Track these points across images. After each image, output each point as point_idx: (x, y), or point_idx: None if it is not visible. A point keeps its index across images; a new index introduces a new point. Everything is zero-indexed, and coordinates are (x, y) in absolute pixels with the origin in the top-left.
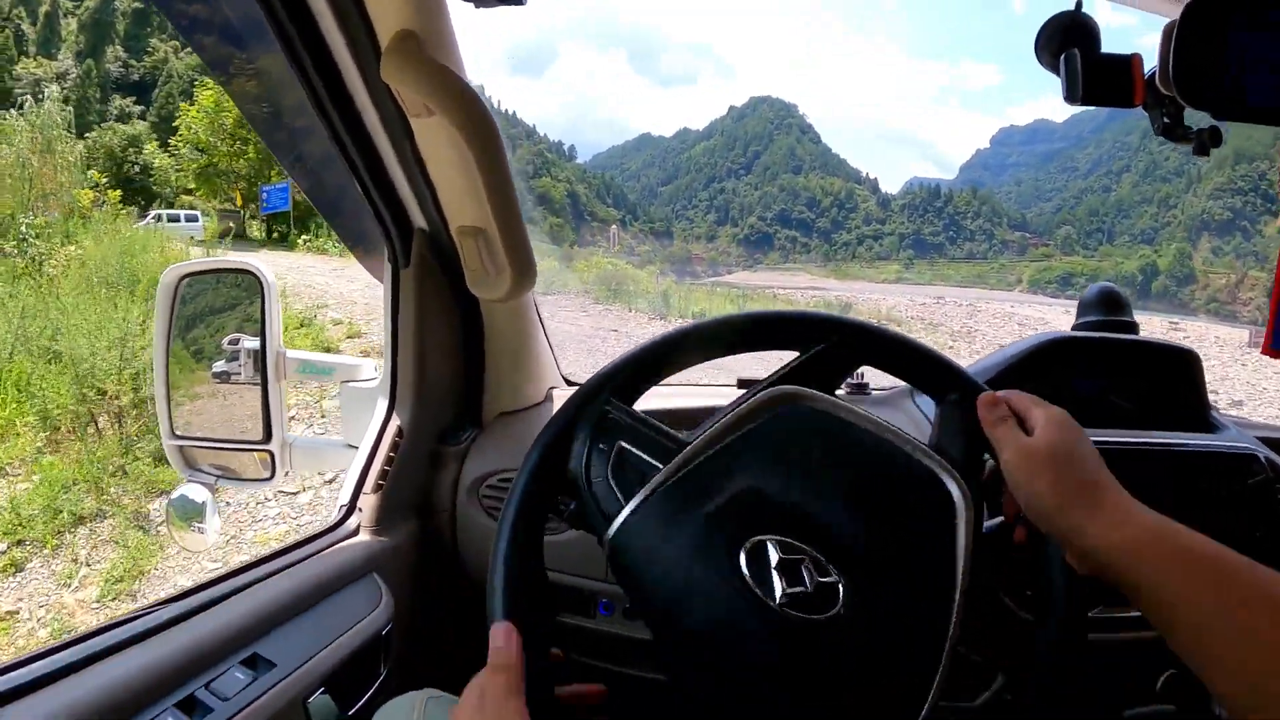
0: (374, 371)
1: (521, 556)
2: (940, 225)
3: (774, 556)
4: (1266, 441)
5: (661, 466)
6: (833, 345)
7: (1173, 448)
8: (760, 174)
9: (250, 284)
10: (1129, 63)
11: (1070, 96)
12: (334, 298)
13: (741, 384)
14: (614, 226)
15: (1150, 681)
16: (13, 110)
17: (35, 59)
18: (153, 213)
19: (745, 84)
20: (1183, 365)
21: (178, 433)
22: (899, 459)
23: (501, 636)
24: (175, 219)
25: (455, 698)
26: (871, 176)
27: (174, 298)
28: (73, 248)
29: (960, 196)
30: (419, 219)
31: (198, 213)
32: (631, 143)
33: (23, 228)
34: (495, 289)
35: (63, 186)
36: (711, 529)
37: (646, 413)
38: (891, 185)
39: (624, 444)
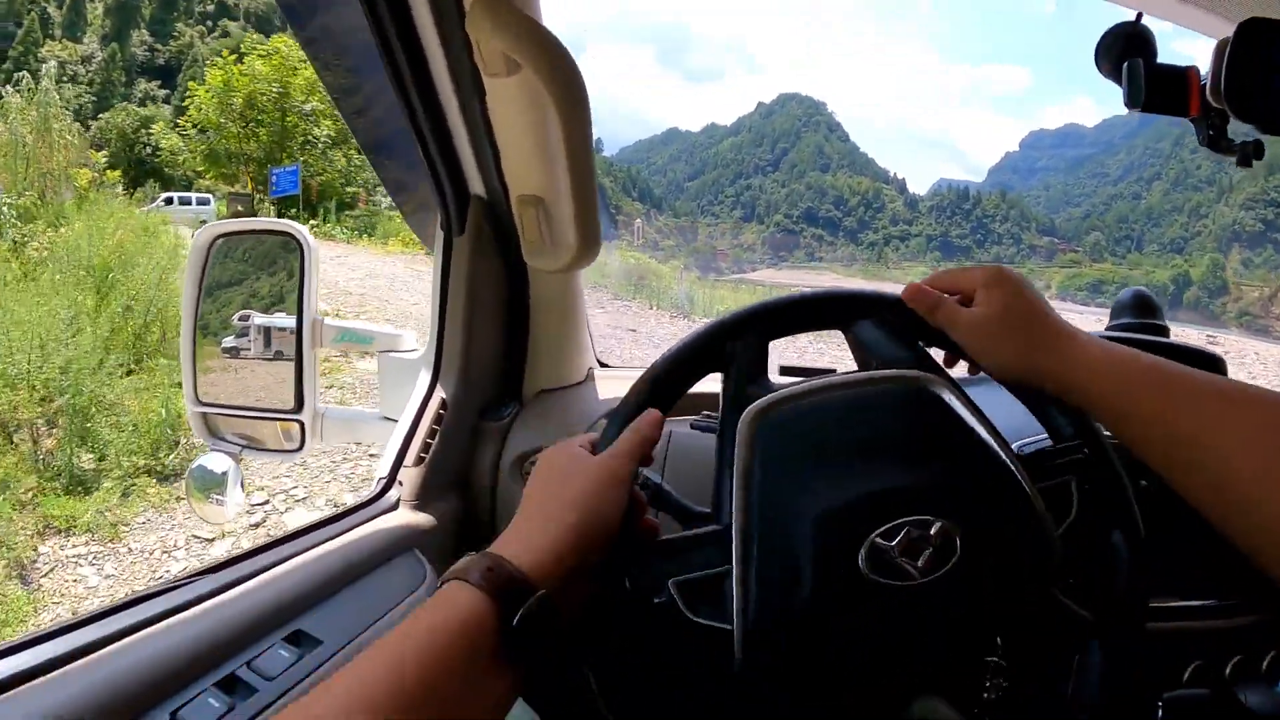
0: (415, 343)
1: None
2: (968, 228)
3: (887, 545)
4: None
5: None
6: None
7: None
8: (787, 171)
9: (289, 247)
10: (1186, 74)
11: (1132, 102)
12: (328, 285)
13: (784, 371)
14: (638, 220)
15: (1177, 673)
16: (8, 87)
17: (61, 42)
18: (163, 195)
19: (774, 81)
20: (1214, 367)
21: (202, 399)
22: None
23: (655, 420)
24: (187, 201)
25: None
26: (899, 176)
27: (206, 259)
28: (64, 230)
29: (989, 199)
30: (477, 185)
31: (209, 196)
32: (659, 137)
33: (3, 208)
34: (556, 259)
35: (60, 166)
36: (821, 569)
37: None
38: (919, 186)
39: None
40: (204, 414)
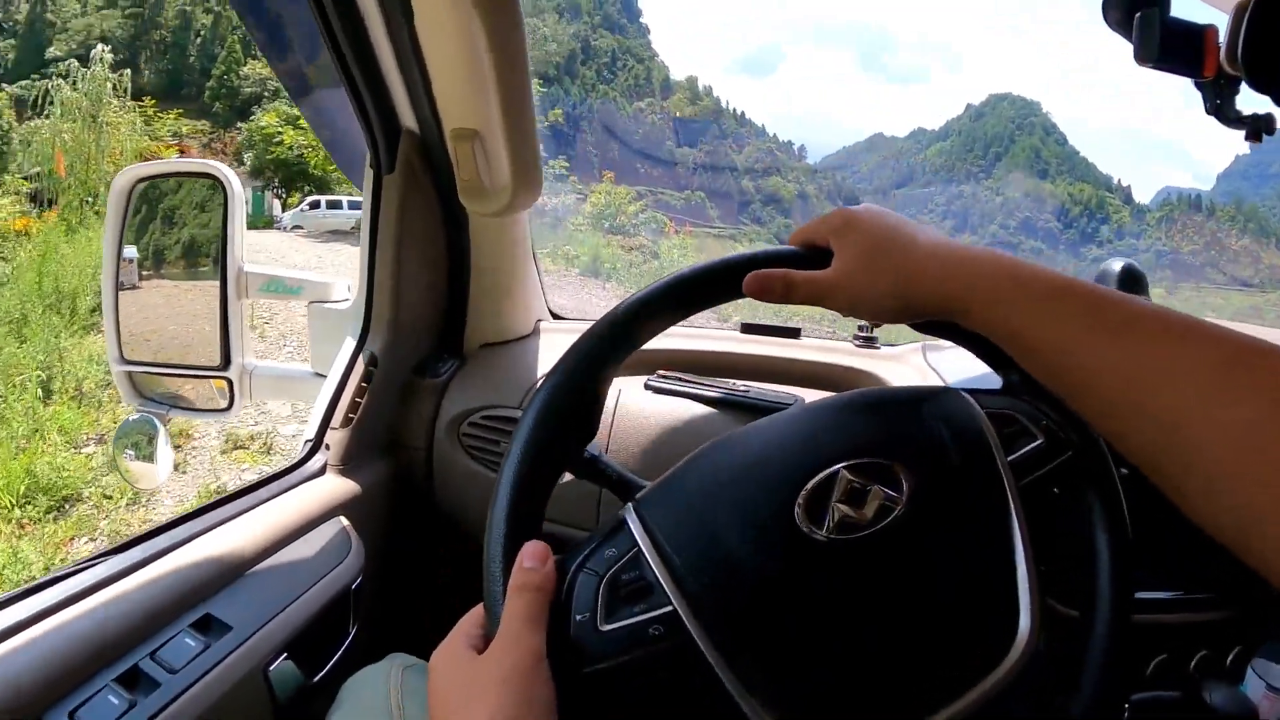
0: (347, 292)
1: (531, 497)
2: (1201, 243)
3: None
4: None
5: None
6: None
7: None
8: (1002, 178)
9: (212, 189)
10: (1203, 33)
11: (1144, 57)
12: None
13: (745, 329)
14: (861, 205)
15: (1141, 666)
16: (58, 79)
17: (260, 60)
18: (307, 200)
19: (982, 81)
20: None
21: (126, 357)
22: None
23: (538, 555)
24: (336, 205)
25: (425, 663)
26: (1123, 184)
27: (127, 204)
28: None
29: (1224, 210)
30: (408, 118)
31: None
32: (863, 143)
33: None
34: (492, 201)
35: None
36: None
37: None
38: (1143, 194)
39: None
40: (129, 373)
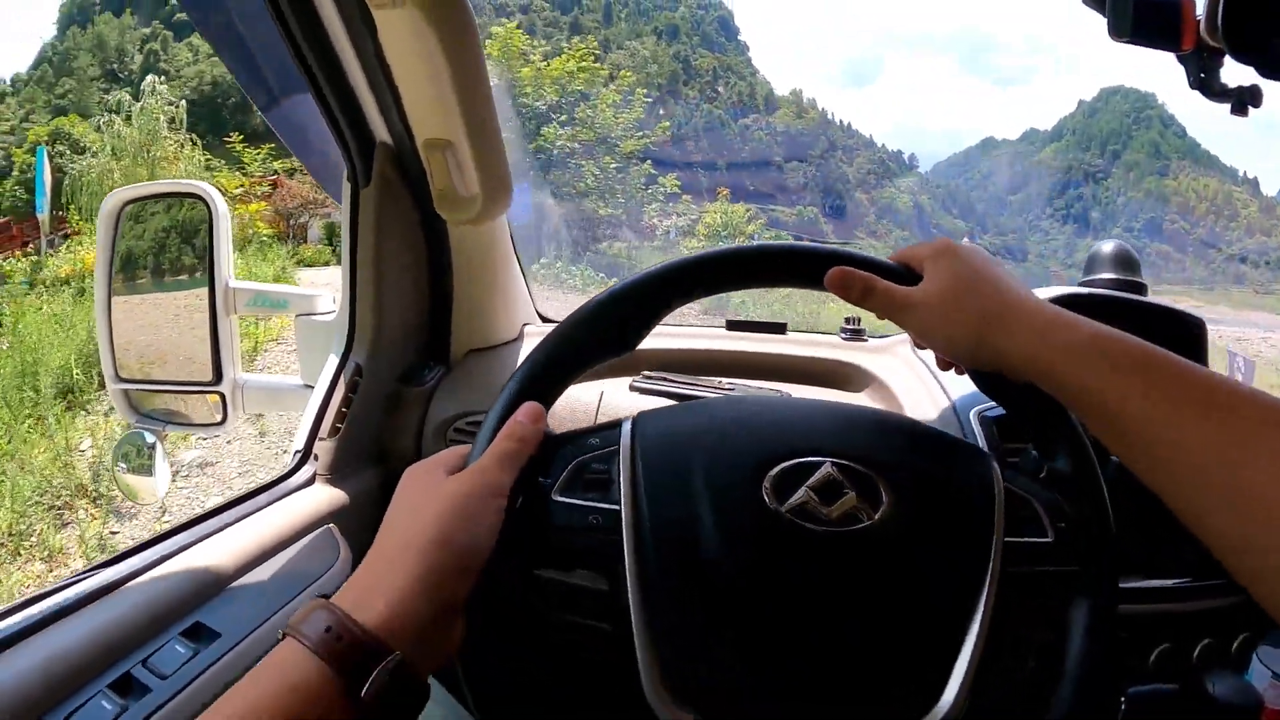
0: (332, 304)
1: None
2: None
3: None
4: None
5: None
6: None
7: None
8: (1122, 177)
9: (198, 210)
10: (1179, 5)
11: (1117, 32)
12: None
13: (731, 326)
14: (965, 241)
15: (1143, 657)
16: (109, 114)
17: None
18: None
19: (1092, 75)
20: (1188, 331)
21: (122, 375)
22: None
23: (531, 413)
24: None
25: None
26: (1250, 175)
27: (115, 227)
28: None
29: None
30: (381, 131)
31: None
32: (974, 149)
33: None
34: (465, 210)
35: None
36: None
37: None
38: (1271, 185)
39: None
40: (125, 390)
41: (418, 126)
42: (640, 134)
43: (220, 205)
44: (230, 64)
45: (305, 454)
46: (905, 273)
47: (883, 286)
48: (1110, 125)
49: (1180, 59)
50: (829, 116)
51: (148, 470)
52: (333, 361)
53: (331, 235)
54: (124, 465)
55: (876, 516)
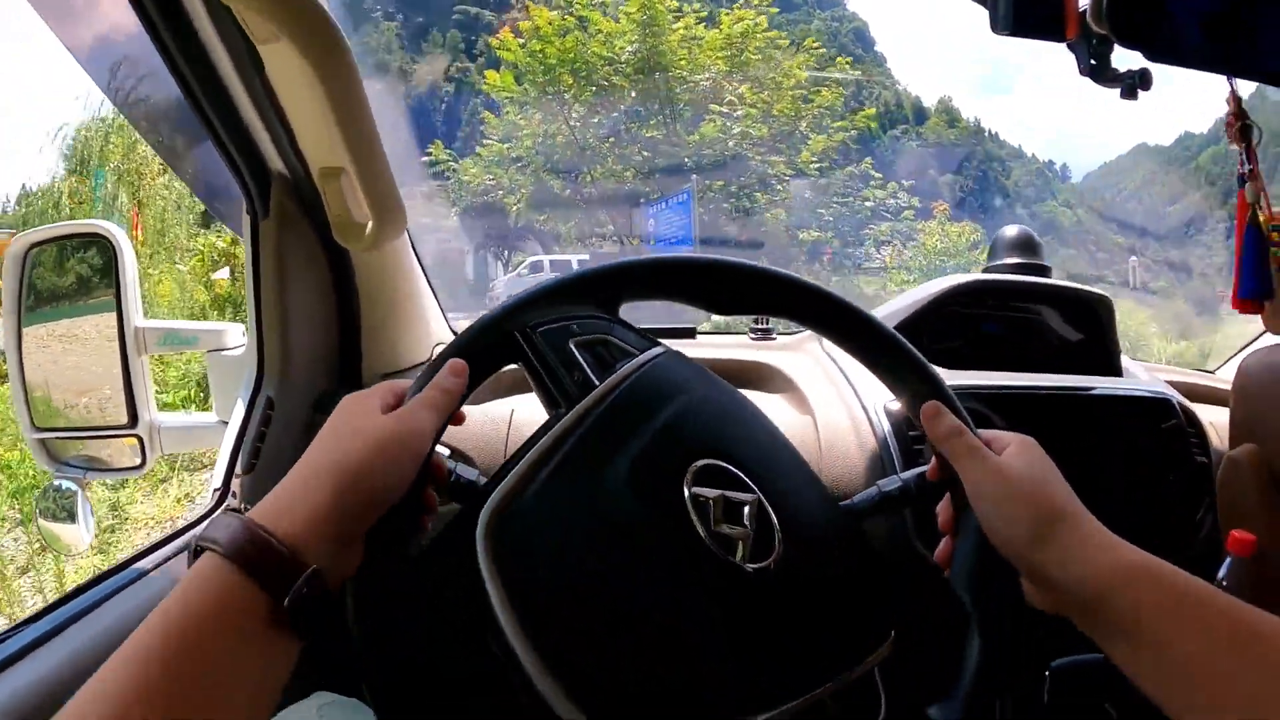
0: (241, 337)
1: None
2: None
3: (711, 494)
4: (1176, 387)
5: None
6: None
7: (1085, 392)
8: None
9: (102, 249)
10: None
11: (1000, 25)
12: None
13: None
14: (1133, 259)
15: (1070, 630)
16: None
17: None
18: (529, 260)
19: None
20: (1093, 310)
21: (38, 425)
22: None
23: (456, 369)
24: (564, 266)
25: (351, 699)
26: None
27: (22, 271)
28: None
29: None
30: (276, 163)
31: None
32: (1125, 157)
33: None
34: (362, 238)
35: None
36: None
37: None
38: None
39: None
40: (42, 440)
41: (311, 156)
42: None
43: (125, 245)
44: (117, 101)
45: (224, 490)
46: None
47: (971, 436)
48: (1275, 122)
49: (1070, 47)
50: (980, 125)
51: (70, 519)
52: (245, 395)
53: None
54: (47, 515)
55: (771, 560)
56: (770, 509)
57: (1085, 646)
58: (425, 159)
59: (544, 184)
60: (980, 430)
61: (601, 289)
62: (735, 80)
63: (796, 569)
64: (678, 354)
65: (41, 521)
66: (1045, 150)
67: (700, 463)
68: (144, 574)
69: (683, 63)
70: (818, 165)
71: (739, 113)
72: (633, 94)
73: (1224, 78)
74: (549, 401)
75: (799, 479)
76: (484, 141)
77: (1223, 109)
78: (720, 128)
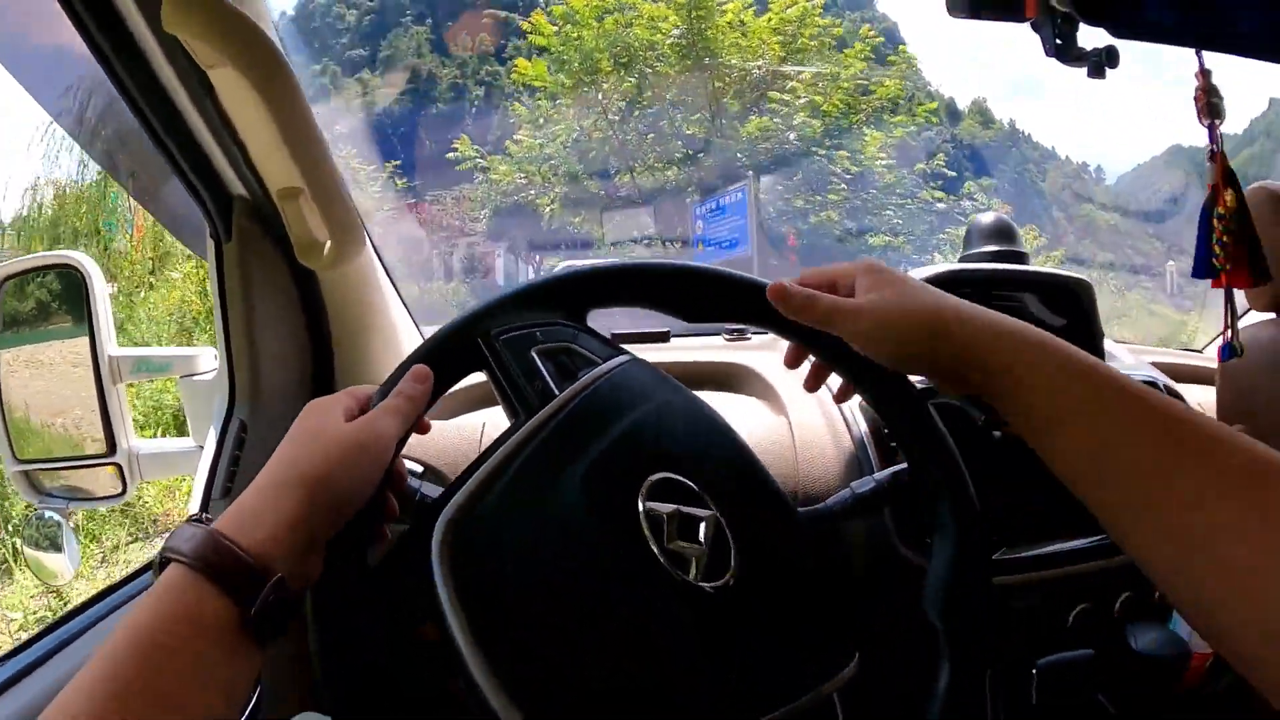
0: (214, 361)
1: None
2: None
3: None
4: (1161, 368)
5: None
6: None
7: None
8: None
9: (72, 280)
10: None
11: (955, 8)
12: None
13: (614, 338)
14: (1170, 264)
15: (1061, 619)
16: None
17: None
18: (561, 264)
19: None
20: (1074, 295)
21: (19, 457)
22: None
23: (418, 375)
24: None
25: None
26: None
27: None
28: None
29: None
30: (236, 186)
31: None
32: (1160, 158)
33: None
34: (323, 258)
35: None
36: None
37: None
38: None
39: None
40: (25, 472)
41: (269, 178)
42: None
43: (96, 275)
44: (74, 132)
45: (201, 515)
46: (832, 289)
47: (826, 297)
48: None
49: (1034, 27)
50: (1015, 127)
51: (56, 549)
52: (217, 419)
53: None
54: (34, 546)
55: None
56: (726, 527)
57: (1073, 642)
58: (451, 154)
59: (579, 183)
60: (823, 269)
61: (568, 296)
62: (790, 68)
63: (754, 588)
64: (643, 362)
65: (27, 551)
66: (1079, 152)
67: (656, 476)
68: (126, 600)
69: (732, 49)
70: (885, 162)
71: (797, 103)
72: (677, 83)
73: (1206, 54)
74: (510, 411)
75: (762, 493)
76: (514, 137)
77: (1255, 110)
78: (774, 121)
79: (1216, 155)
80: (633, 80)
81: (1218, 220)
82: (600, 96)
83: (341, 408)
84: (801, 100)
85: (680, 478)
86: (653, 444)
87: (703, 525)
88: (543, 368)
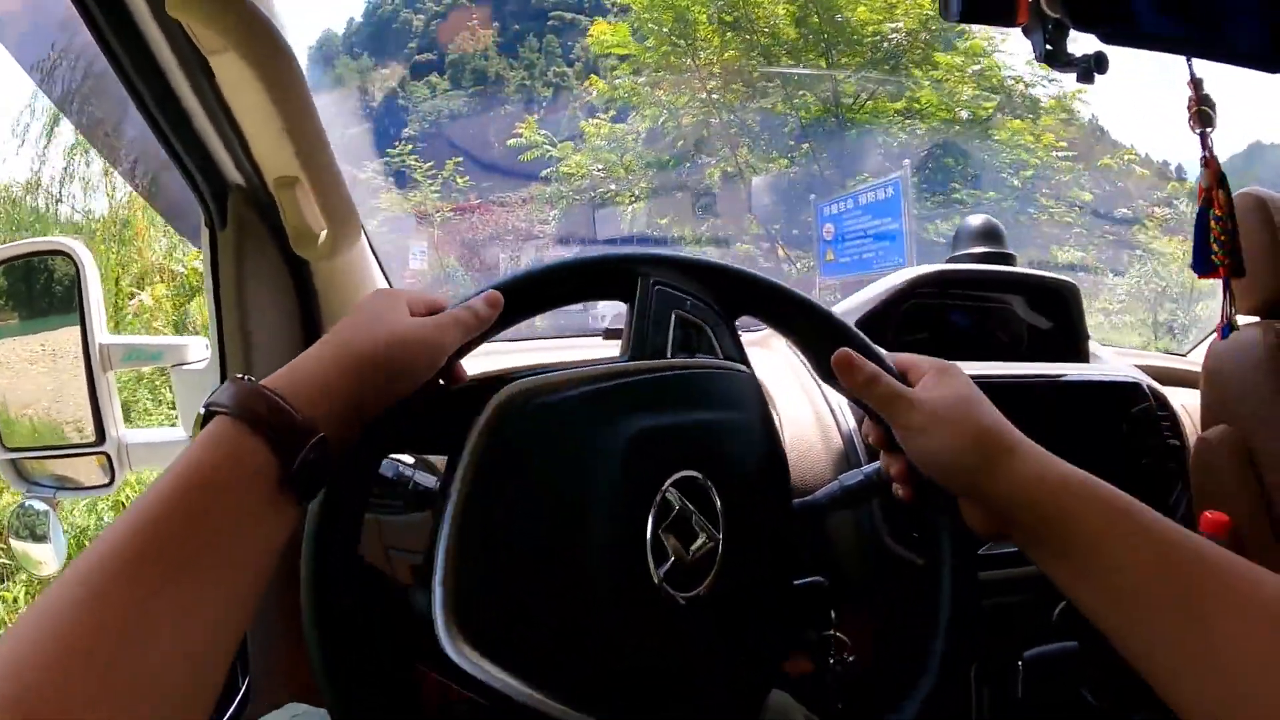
0: (205, 351)
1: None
2: None
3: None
4: (1146, 371)
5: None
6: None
7: (1055, 379)
8: None
9: (64, 266)
10: None
11: (948, 12)
12: None
13: (609, 334)
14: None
15: (1046, 615)
16: None
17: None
18: None
19: None
20: (1060, 297)
21: (7, 445)
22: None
23: (493, 300)
24: None
25: (321, 710)
26: None
27: None
28: None
29: None
30: (233, 174)
31: None
32: (1239, 156)
33: None
34: (318, 247)
35: None
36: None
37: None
38: None
39: None
40: (13, 460)
41: (266, 166)
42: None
43: (88, 261)
44: (70, 115)
45: None
46: (901, 376)
47: (888, 381)
48: None
49: (1025, 32)
50: (1097, 123)
51: (44, 538)
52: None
53: None
54: (21, 536)
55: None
56: (719, 555)
57: (1057, 637)
58: (515, 140)
59: (668, 173)
60: (895, 356)
61: (730, 291)
62: (932, 33)
63: (712, 606)
64: (753, 381)
65: (13, 541)
66: (1158, 150)
67: (694, 474)
68: None
69: (862, 9)
70: (1065, 155)
71: (962, 73)
72: (794, 49)
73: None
74: (625, 347)
75: (770, 527)
76: (592, 119)
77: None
78: (937, 94)
79: (1209, 161)
80: (738, 47)
81: (1215, 222)
82: (696, 65)
83: (406, 301)
84: (974, 67)
85: (711, 487)
86: (706, 448)
87: (700, 539)
88: (672, 331)
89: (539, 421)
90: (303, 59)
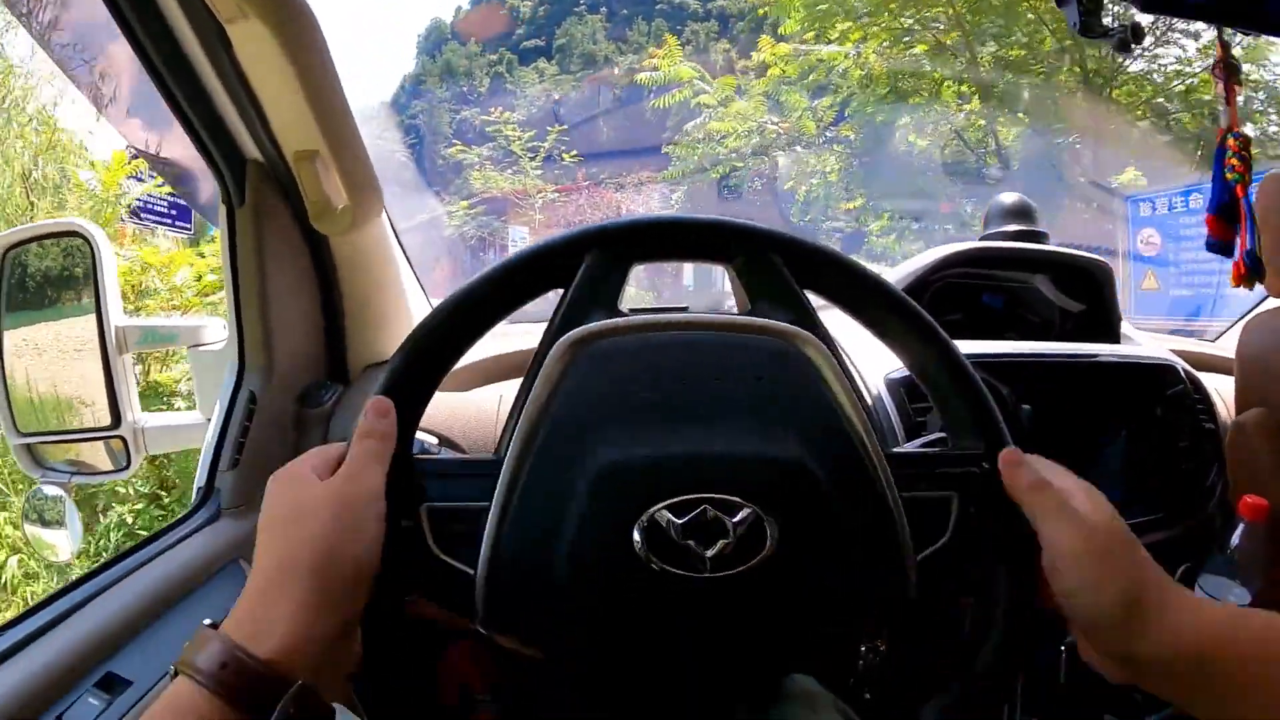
0: (222, 331)
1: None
2: None
3: (674, 522)
4: (1177, 353)
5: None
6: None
7: (1090, 359)
8: None
9: (79, 248)
10: None
11: None
12: None
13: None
14: None
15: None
16: None
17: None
18: None
19: None
20: (1093, 277)
21: (21, 430)
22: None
23: (378, 408)
24: None
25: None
26: None
27: (1, 274)
28: None
29: None
30: (251, 148)
31: None
32: None
33: None
34: (339, 222)
35: None
36: (587, 532)
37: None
38: None
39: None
40: (27, 445)
41: (285, 140)
42: None
43: (103, 242)
44: (97, 102)
45: (207, 489)
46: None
47: (1056, 491)
48: None
49: (1059, 2)
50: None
51: (59, 524)
52: (226, 391)
53: None
54: (34, 521)
55: (771, 548)
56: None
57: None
58: (646, 75)
59: (875, 128)
60: (1046, 462)
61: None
62: None
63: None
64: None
65: (28, 527)
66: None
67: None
68: (177, 543)
69: None
70: None
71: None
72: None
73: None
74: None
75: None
76: (758, 49)
77: None
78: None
79: (1228, 100)
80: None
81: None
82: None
83: (310, 471)
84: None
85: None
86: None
87: (733, 522)
88: None
89: (613, 361)
90: (410, 46)
